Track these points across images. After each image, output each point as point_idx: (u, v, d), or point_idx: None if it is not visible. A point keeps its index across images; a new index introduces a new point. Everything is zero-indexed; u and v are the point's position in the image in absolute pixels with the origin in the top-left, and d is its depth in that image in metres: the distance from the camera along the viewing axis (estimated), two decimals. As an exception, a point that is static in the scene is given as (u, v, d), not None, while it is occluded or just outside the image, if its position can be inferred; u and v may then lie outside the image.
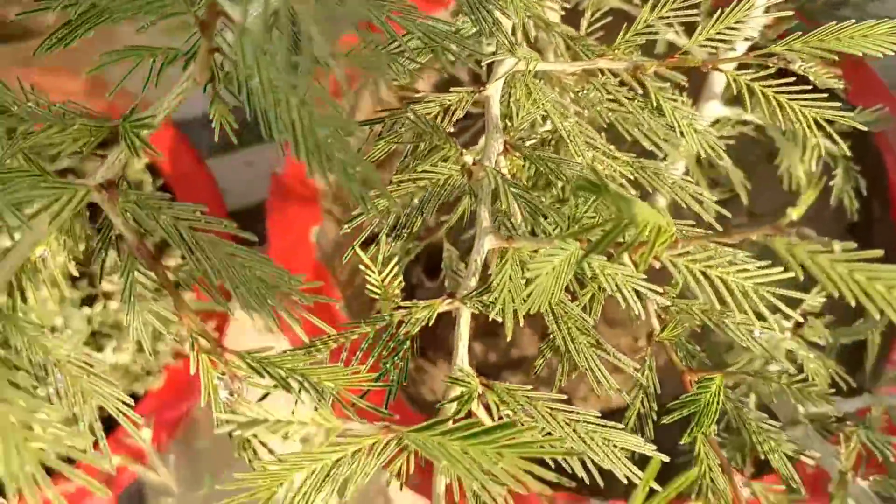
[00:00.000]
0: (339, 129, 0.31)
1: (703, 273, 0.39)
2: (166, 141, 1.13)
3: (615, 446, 0.40)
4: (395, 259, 0.44)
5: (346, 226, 0.41)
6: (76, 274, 0.82)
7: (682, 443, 0.42)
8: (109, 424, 1.01)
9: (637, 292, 0.44)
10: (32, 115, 0.37)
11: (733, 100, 0.77)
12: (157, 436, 0.99)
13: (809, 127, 0.42)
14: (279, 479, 0.34)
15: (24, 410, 0.29)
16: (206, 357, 0.36)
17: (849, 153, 0.76)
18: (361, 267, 0.42)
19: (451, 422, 0.33)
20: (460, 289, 0.43)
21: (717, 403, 0.44)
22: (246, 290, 0.33)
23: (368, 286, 0.43)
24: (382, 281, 0.42)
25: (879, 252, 0.33)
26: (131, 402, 0.35)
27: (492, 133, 0.48)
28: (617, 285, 0.43)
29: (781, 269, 0.40)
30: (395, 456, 0.40)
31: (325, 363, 0.36)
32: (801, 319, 0.39)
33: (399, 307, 0.41)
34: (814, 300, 0.64)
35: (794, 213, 0.32)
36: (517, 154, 0.48)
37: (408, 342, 0.42)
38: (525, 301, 0.38)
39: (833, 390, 0.58)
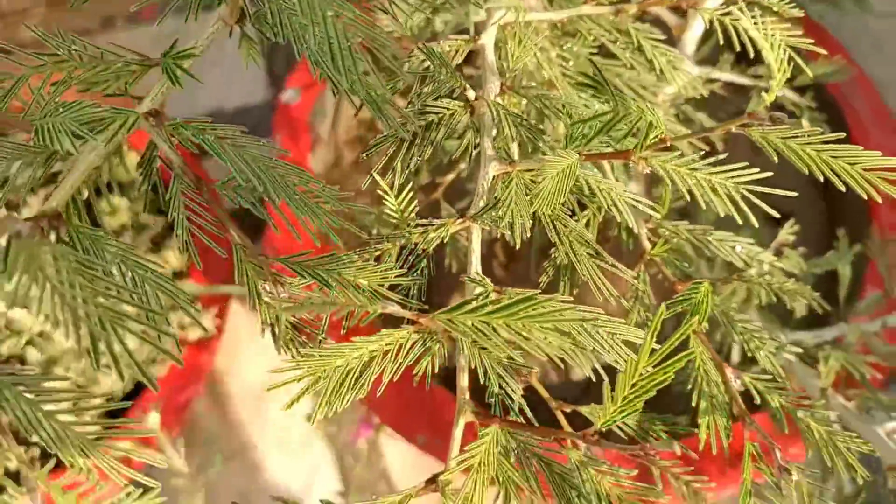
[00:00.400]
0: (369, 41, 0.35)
1: (689, 175, 0.43)
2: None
3: (619, 339, 0.44)
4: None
5: (363, 154, 0.45)
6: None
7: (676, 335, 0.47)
8: (120, 410, 1.04)
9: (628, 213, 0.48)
10: (78, 57, 0.40)
11: (704, 60, 0.83)
12: (166, 421, 1.02)
13: (775, 48, 0.46)
14: (322, 365, 0.38)
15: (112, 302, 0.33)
16: (250, 265, 0.39)
17: (812, 104, 0.81)
18: (380, 192, 0.46)
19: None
20: (470, 210, 0.47)
21: (707, 304, 0.48)
22: (287, 196, 0.37)
23: (386, 211, 0.47)
24: (399, 205, 0.47)
25: (842, 134, 0.38)
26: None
27: (489, 77, 0.53)
28: (613, 200, 0.47)
29: (758, 169, 0.45)
30: (421, 356, 0.44)
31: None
32: (776, 215, 0.43)
33: (418, 225, 0.45)
34: (788, 232, 0.69)
35: (768, 99, 0.37)
36: (513, 94, 0.52)
37: (425, 259, 0.46)
38: (533, 204, 0.42)
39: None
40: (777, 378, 0.50)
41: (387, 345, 0.40)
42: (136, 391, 1.06)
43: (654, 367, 0.34)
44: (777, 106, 0.82)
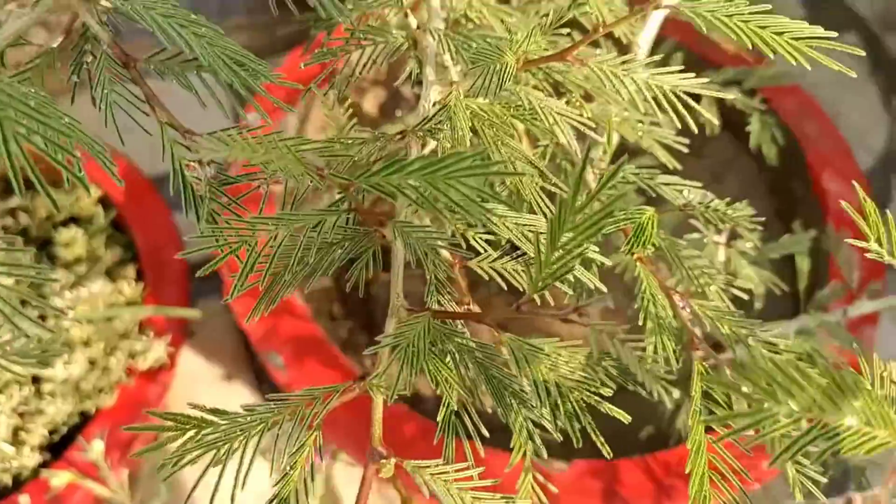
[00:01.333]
0: None
1: (623, 74, 0.43)
2: (118, 171, 1.16)
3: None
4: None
5: (303, 64, 0.45)
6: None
7: (624, 250, 0.45)
8: (62, 444, 0.98)
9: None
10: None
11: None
12: (111, 454, 0.96)
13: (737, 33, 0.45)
14: (246, 235, 0.36)
15: None
16: (175, 143, 0.38)
17: (762, 107, 0.83)
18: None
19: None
20: (410, 124, 0.46)
21: (652, 228, 0.47)
22: (217, 62, 0.37)
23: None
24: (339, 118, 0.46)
25: (768, 6, 0.38)
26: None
27: (434, 18, 0.53)
28: (554, 120, 0.47)
29: (694, 74, 0.45)
30: (356, 257, 0.42)
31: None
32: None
33: (357, 139, 0.45)
34: (744, 211, 0.69)
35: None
36: (456, 34, 0.53)
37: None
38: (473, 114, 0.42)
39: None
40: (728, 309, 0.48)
41: (315, 222, 0.38)
42: (82, 423, 1.01)
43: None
44: (728, 107, 0.83)
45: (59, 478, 0.94)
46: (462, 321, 0.43)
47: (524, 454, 0.48)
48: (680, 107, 0.44)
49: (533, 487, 0.48)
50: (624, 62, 0.43)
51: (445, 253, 0.44)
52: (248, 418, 0.36)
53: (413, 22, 0.50)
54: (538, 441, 0.40)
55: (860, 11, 1.63)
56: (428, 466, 0.36)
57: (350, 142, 0.45)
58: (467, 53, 0.46)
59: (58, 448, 0.98)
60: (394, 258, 0.41)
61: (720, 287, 0.49)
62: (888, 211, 0.43)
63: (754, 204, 1.10)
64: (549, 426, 0.37)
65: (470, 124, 0.45)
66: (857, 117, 1.54)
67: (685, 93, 0.44)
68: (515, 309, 0.36)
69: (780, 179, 1.03)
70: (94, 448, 0.95)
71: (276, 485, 0.36)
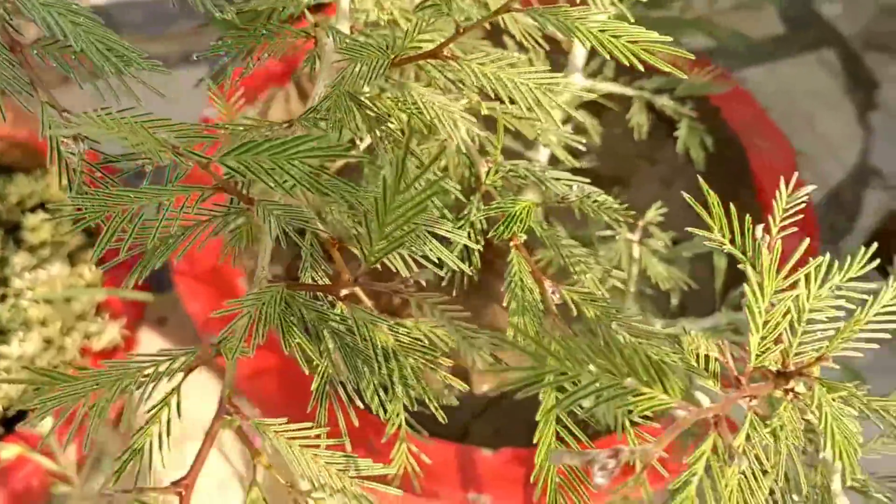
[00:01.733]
0: None
1: (494, 74, 0.46)
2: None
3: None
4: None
5: (195, 56, 0.48)
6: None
7: (492, 235, 0.48)
8: (17, 419, 1.01)
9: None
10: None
11: (592, 74, 0.87)
12: (60, 429, 0.99)
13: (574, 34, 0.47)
14: (110, 204, 0.39)
15: None
16: (53, 121, 0.41)
17: (693, 114, 0.86)
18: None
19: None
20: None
21: (527, 216, 0.50)
22: (93, 51, 0.40)
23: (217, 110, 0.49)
24: (230, 107, 0.49)
25: (611, 12, 0.41)
26: None
27: (341, 20, 0.56)
28: (436, 113, 0.50)
29: (562, 75, 0.48)
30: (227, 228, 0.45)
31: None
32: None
33: (244, 126, 0.48)
34: (655, 213, 0.71)
35: None
36: (361, 34, 0.56)
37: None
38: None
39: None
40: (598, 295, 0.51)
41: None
42: (36, 400, 1.04)
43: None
44: (658, 113, 0.86)
45: (9, 450, 0.97)
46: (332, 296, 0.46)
47: (399, 426, 0.51)
48: (541, 104, 0.46)
49: (407, 457, 0.51)
50: (510, 64, 0.46)
51: (321, 234, 0.46)
52: (105, 375, 0.39)
53: (311, 18, 0.53)
54: (383, 406, 0.43)
55: (841, 30, 1.65)
56: (272, 424, 0.39)
57: (240, 127, 0.48)
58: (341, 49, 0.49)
59: (11, 423, 1.01)
60: (263, 234, 0.44)
61: (595, 277, 0.52)
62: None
63: (681, 167, 1.13)
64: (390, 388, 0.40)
65: (358, 116, 0.48)
66: (832, 131, 1.56)
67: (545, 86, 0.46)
68: (353, 280, 0.38)
69: (727, 187, 1.06)
70: (44, 423, 0.98)
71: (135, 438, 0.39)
